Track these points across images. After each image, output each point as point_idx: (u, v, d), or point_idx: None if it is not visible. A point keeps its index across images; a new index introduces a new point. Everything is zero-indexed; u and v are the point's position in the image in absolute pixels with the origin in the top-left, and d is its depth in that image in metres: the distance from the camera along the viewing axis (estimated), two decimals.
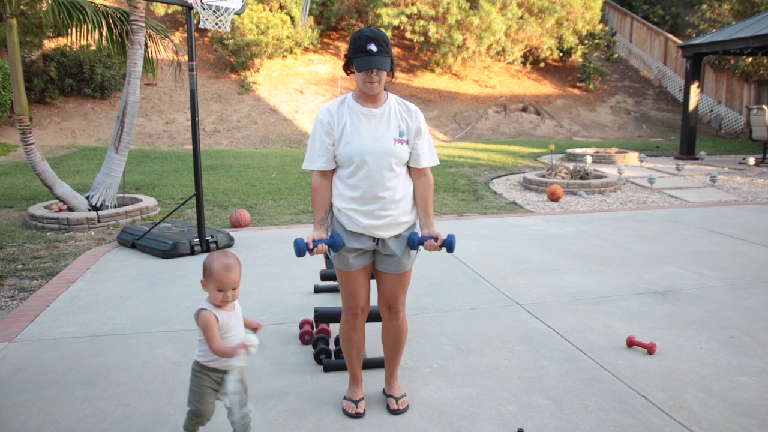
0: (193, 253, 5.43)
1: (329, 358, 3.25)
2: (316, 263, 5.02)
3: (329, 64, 19.26)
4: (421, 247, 2.62)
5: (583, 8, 19.23)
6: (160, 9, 17.97)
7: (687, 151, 13.11)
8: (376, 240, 2.63)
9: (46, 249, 5.72)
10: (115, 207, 6.94)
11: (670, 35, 20.11)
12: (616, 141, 16.32)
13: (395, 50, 20.36)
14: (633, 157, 12.14)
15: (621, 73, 21.23)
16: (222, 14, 5.71)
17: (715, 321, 3.83)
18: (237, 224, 6.56)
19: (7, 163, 11.31)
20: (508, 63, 20.10)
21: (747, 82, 17.63)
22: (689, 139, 13.13)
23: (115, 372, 3.15)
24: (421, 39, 18.53)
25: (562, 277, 4.77)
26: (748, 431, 2.61)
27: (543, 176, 9.44)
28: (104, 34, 7.07)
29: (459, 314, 3.96)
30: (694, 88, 13.18)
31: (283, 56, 18.93)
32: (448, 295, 4.35)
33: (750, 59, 16.66)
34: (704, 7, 19.30)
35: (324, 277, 3.80)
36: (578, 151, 12.78)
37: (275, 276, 4.80)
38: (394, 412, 2.75)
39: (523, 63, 20.37)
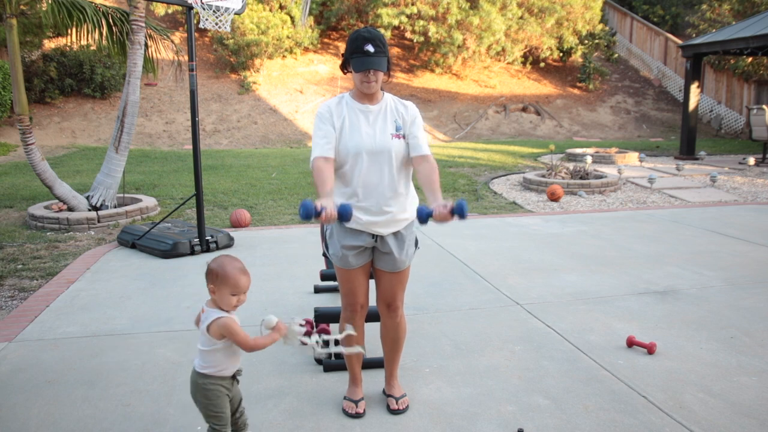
0: (193, 253, 5.43)
1: (329, 358, 3.25)
2: (316, 263, 5.02)
3: (329, 64, 19.26)
4: (430, 221, 2.39)
5: (583, 8, 19.23)
6: (160, 9, 17.97)
7: (687, 151, 13.11)
8: (375, 237, 2.64)
9: (46, 249, 5.72)
10: (115, 207, 6.94)
11: (670, 35, 20.11)
12: (616, 141, 16.32)
13: (395, 50, 20.37)
14: (633, 157, 12.14)
15: (621, 73, 21.23)
16: (222, 14, 5.71)
17: (715, 321, 3.83)
18: (237, 224, 6.56)
19: (7, 163, 11.31)
20: (508, 63, 20.10)
21: (747, 82, 17.63)
22: (689, 139, 13.13)
23: (115, 372, 3.15)
24: (421, 39, 18.53)
25: (562, 277, 4.77)
26: (748, 431, 2.61)
27: (543, 176, 9.44)
28: (104, 34, 7.07)
29: (459, 314, 3.96)
30: (694, 88, 13.18)
31: (283, 56, 18.93)
32: (448, 295, 4.35)
33: (750, 59, 16.66)
34: (704, 7, 19.29)
35: (324, 277, 3.81)
36: (578, 151, 12.78)
37: (275, 276, 4.80)
38: (394, 412, 2.75)
39: (523, 63, 20.37)
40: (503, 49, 19.02)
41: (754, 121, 12.31)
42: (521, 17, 18.63)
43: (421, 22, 18.09)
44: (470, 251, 5.51)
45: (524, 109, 18.66)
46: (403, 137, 2.61)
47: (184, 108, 16.19)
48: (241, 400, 2.36)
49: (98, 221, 6.55)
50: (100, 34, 7.01)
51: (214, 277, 2.25)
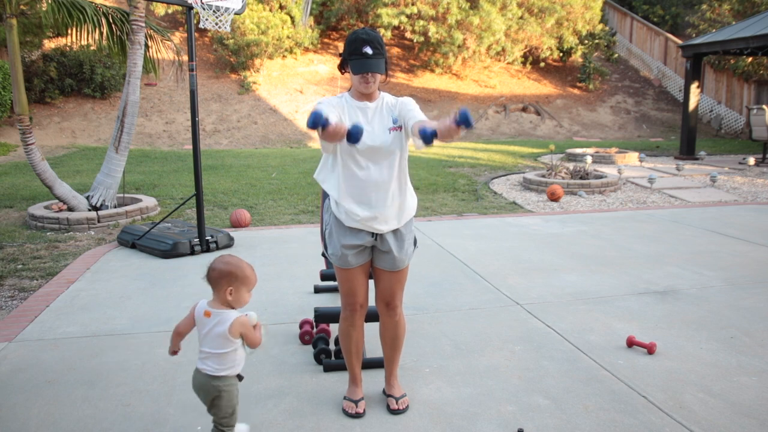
0: (193, 253, 5.43)
1: (329, 358, 3.25)
2: (316, 263, 5.02)
3: (329, 64, 19.27)
4: (436, 141, 2.25)
5: (583, 8, 19.23)
6: (160, 9, 17.97)
7: (687, 151, 13.11)
8: (374, 236, 2.64)
9: (46, 249, 5.72)
10: (115, 207, 6.94)
11: (670, 35, 20.11)
12: (616, 141, 16.32)
13: (395, 50, 20.38)
14: (633, 157, 12.14)
15: (621, 73, 21.23)
16: (222, 14, 5.71)
17: (715, 321, 3.83)
18: (237, 224, 6.56)
19: (7, 163, 11.31)
20: (508, 63, 20.10)
21: (747, 82, 17.63)
22: (689, 139, 13.13)
23: (115, 372, 3.15)
24: (421, 39, 18.53)
25: (562, 277, 4.77)
26: (748, 431, 2.61)
27: (543, 176, 9.45)
28: (104, 34, 7.07)
29: (459, 314, 3.96)
30: (694, 88, 13.18)
31: (283, 56, 18.93)
32: (448, 295, 4.35)
33: (750, 59, 16.66)
34: (704, 7, 19.30)
35: (324, 277, 3.80)
36: (578, 151, 12.78)
37: (275, 276, 4.80)
38: (394, 412, 2.75)
39: (523, 63, 20.37)
40: (503, 49, 19.02)
41: (754, 121, 12.31)
42: (521, 17, 18.64)
43: (421, 22, 18.09)
44: (470, 251, 5.51)
45: (524, 109, 18.67)
46: (401, 128, 2.62)
47: (184, 108, 16.19)
48: None
49: (98, 221, 6.55)
50: (100, 34, 7.01)
51: (233, 278, 2.23)
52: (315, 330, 3.52)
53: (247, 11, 17.21)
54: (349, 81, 2.63)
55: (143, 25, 6.74)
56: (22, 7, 6.92)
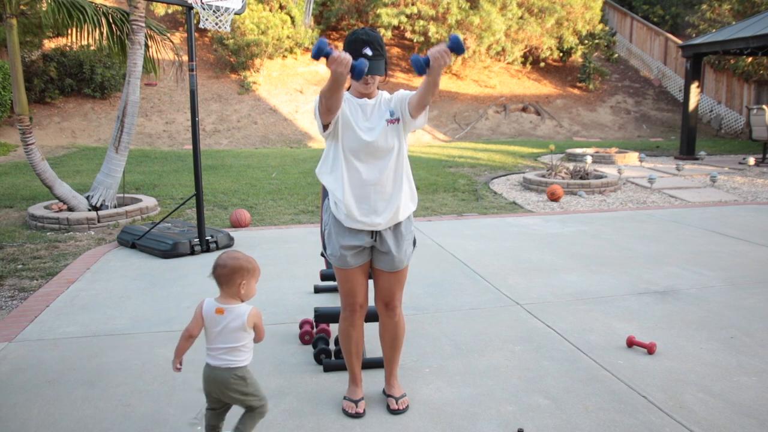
0: (193, 253, 5.43)
1: (329, 358, 3.25)
2: (316, 263, 5.02)
3: None
4: (428, 70, 2.31)
5: (583, 8, 19.23)
6: (160, 9, 17.97)
7: (687, 151, 13.12)
8: (374, 236, 2.64)
9: (46, 249, 5.72)
10: (115, 207, 6.94)
11: (670, 35, 20.11)
12: (616, 141, 16.32)
13: (395, 50, 20.38)
14: (633, 157, 12.14)
15: (621, 73, 21.23)
16: (222, 14, 5.71)
17: (715, 321, 3.83)
18: (237, 224, 6.56)
19: (7, 163, 11.31)
20: (508, 63, 20.10)
21: (747, 82, 17.63)
22: (689, 139, 13.13)
23: (115, 372, 3.15)
24: (421, 39, 18.53)
25: (562, 277, 4.77)
26: (748, 431, 2.61)
27: (543, 176, 9.45)
28: (104, 34, 7.08)
29: (459, 314, 3.96)
30: (694, 88, 13.18)
31: (283, 56, 18.93)
32: (448, 295, 4.35)
33: (750, 59, 16.66)
34: (704, 7, 19.30)
35: (324, 277, 3.80)
36: (578, 151, 12.78)
37: (275, 276, 4.80)
38: (394, 412, 2.75)
39: (523, 63, 20.37)
40: (503, 49, 19.02)
41: (754, 121, 12.31)
42: (521, 17, 18.63)
43: (421, 22, 18.09)
44: (470, 251, 5.51)
45: (524, 109, 18.66)
46: (398, 120, 2.62)
47: (184, 108, 16.19)
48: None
49: (98, 221, 6.55)
50: (100, 34, 7.02)
51: (244, 271, 2.29)
52: (315, 330, 3.52)
53: (247, 11, 17.21)
54: (349, 79, 2.63)
55: (143, 25, 6.74)
56: (22, 7, 6.92)
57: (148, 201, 7.23)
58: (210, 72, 18.13)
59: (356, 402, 2.77)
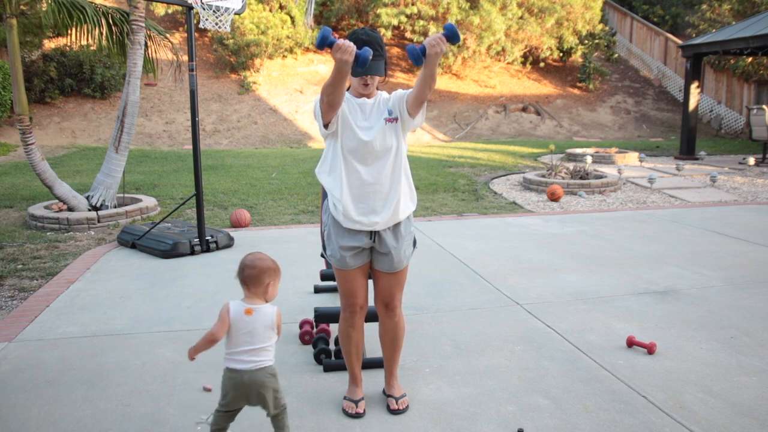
0: (193, 253, 5.43)
1: (329, 358, 3.25)
2: (316, 263, 5.02)
3: (329, 64, 19.26)
4: (425, 60, 2.29)
5: (583, 8, 19.23)
6: (160, 9, 17.97)
7: (687, 151, 13.11)
8: (373, 237, 2.64)
9: (46, 249, 5.72)
10: (115, 207, 6.94)
11: (670, 35, 20.11)
12: (616, 141, 16.32)
13: (395, 50, 20.37)
14: (633, 157, 12.14)
15: (621, 73, 21.23)
16: (222, 14, 5.71)
17: (715, 321, 3.83)
18: (237, 224, 6.56)
19: (7, 163, 11.31)
20: (508, 63, 20.10)
21: (747, 82, 17.63)
22: (689, 139, 13.13)
23: (115, 372, 3.15)
24: (421, 39, 18.51)
25: (562, 277, 4.77)
26: (748, 431, 2.61)
27: (543, 176, 9.45)
28: (104, 34, 7.08)
29: (459, 314, 3.96)
30: (694, 88, 13.18)
31: (283, 56, 18.93)
32: (448, 295, 4.35)
33: (750, 59, 16.66)
34: (704, 7, 19.29)
35: (324, 277, 3.81)
36: (578, 151, 12.78)
37: None
38: (394, 412, 2.75)
39: (523, 63, 20.37)
40: (503, 49, 19.02)
41: (754, 121, 12.31)
42: (521, 17, 18.63)
43: (421, 22, 18.09)
44: (470, 251, 5.51)
45: (524, 109, 18.66)
46: (396, 120, 2.62)
47: (184, 108, 16.19)
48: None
49: (98, 221, 6.55)
50: (100, 34, 7.02)
51: (272, 272, 2.33)
52: (315, 330, 3.52)
53: (247, 11, 17.21)
54: (349, 80, 2.63)
55: (143, 25, 6.74)
56: (22, 7, 6.92)
57: (148, 201, 7.23)
58: (210, 72, 18.13)
59: (356, 402, 2.77)
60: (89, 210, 6.74)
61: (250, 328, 2.27)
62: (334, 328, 3.56)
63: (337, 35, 2.20)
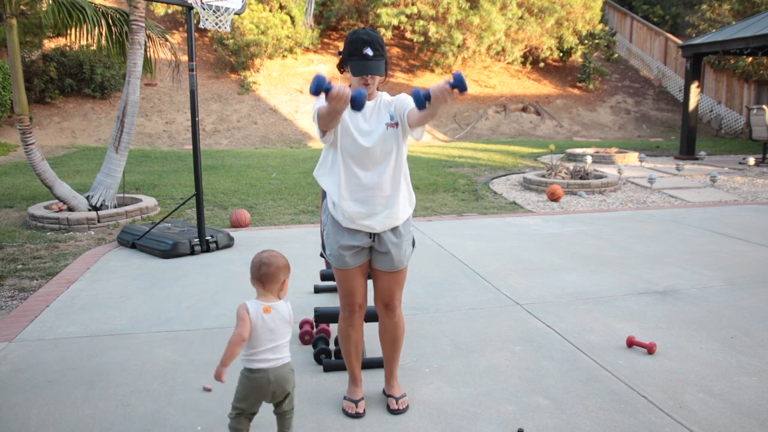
0: (193, 253, 5.43)
1: (329, 358, 3.25)
2: (316, 263, 5.02)
3: (329, 64, 19.26)
4: (428, 104, 2.22)
5: (583, 8, 19.23)
6: (160, 9, 17.97)
7: (687, 151, 13.11)
8: (372, 237, 2.64)
9: (46, 249, 5.72)
10: (115, 207, 6.94)
11: (670, 35, 20.11)
12: (616, 141, 16.32)
13: (395, 50, 20.37)
14: (633, 157, 12.14)
15: (621, 73, 21.23)
16: (222, 14, 5.71)
17: (715, 321, 3.83)
18: (237, 224, 6.56)
19: (7, 163, 11.31)
20: (508, 63, 20.10)
21: (747, 82, 17.63)
22: (689, 139, 13.13)
23: (115, 372, 3.15)
24: (421, 39, 18.53)
25: (562, 277, 4.77)
26: (748, 431, 2.61)
27: (543, 176, 9.44)
28: (104, 34, 7.07)
29: (459, 314, 3.96)
30: (694, 88, 13.18)
31: (283, 56, 18.93)
32: (448, 295, 4.35)
33: (750, 59, 16.66)
34: (704, 7, 19.29)
35: (324, 277, 3.80)
36: (578, 151, 12.78)
37: None
38: (394, 412, 2.75)
39: (523, 63, 20.37)
40: (503, 49, 19.02)
41: (754, 121, 12.31)
42: (521, 17, 18.63)
43: (421, 22, 18.09)
44: (470, 251, 5.51)
45: (524, 109, 18.66)
46: (397, 125, 2.61)
47: (184, 108, 16.19)
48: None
49: (98, 221, 6.55)
50: (100, 34, 7.02)
51: (287, 269, 2.38)
52: (315, 330, 3.52)
53: (247, 11, 17.21)
54: (349, 80, 2.63)
55: (143, 25, 6.74)
56: (22, 7, 6.92)
57: (148, 201, 7.23)
58: (210, 72, 18.13)
59: (356, 402, 2.77)
60: (89, 210, 6.74)
61: (271, 326, 2.28)
62: (334, 328, 3.56)
63: (330, 81, 2.15)
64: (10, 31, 6.22)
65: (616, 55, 21.77)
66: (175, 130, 15.41)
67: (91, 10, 6.71)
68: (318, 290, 4.43)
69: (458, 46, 18.26)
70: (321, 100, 2.46)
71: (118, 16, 7.12)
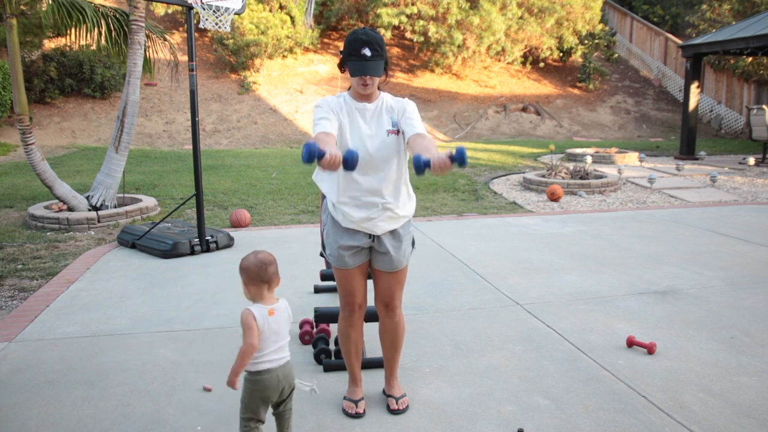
0: (193, 253, 5.43)
1: (329, 358, 3.25)
2: (316, 263, 5.02)
3: (329, 64, 19.27)
4: (428, 172, 2.21)
5: (583, 8, 19.23)
6: (160, 9, 17.96)
7: (687, 151, 13.11)
8: (372, 237, 2.64)
9: (46, 249, 5.72)
10: (115, 207, 6.94)
11: (670, 35, 20.11)
12: (616, 141, 16.32)
13: (395, 50, 20.37)
14: (633, 157, 12.14)
15: (621, 73, 21.23)
16: (222, 14, 5.71)
17: (715, 321, 3.83)
18: (237, 224, 6.56)
19: (7, 163, 11.31)
20: (508, 63, 20.10)
21: (747, 82, 17.63)
22: (689, 139, 13.13)
23: (115, 372, 3.15)
24: (421, 39, 18.52)
25: (562, 277, 4.77)
26: (748, 431, 2.61)
27: (543, 176, 9.44)
28: (104, 34, 7.07)
29: (459, 314, 3.96)
30: (694, 88, 13.18)
31: (283, 56, 18.93)
32: (448, 295, 4.35)
33: (750, 59, 16.66)
34: (704, 7, 19.29)
35: (324, 277, 3.81)
36: (578, 151, 12.78)
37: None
38: (394, 412, 2.75)
39: (523, 63, 20.37)
40: (503, 49, 19.01)
41: (754, 121, 12.31)
42: (521, 17, 18.63)
43: (421, 22, 18.09)
44: (470, 251, 5.51)
45: (524, 109, 18.66)
46: (399, 132, 2.60)
47: (184, 108, 16.19)
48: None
49: (98, 221, 6.55)
50: (100, 34, 7.01)
51: (277, 267, 2.37)
52: (315, 330, 3.52)
53: (247, 11, 17.21)
54: (349, 80, 2.62)
55: (143, 25, 6.74)
56: (22, 7, 6.92)
57: (148, 201, 7.23)
58: (210, 72, 18.13)
59: (356, 402, 2.77)
60: (89, 210, 6.74)
61: (275, 328, 2.27)
62: (334, 328, 3.56)
63: (321, 145, 2.12)
64: (10, 31, 6.22)
65: (616, 55, 21.77)
66: (175, 130, 15.40)
67: (90, 10, 6.71)
68: (318, 290, 4.43)
69: (458, 46, 18.27)
70: (319, 119, 2.50)
71: (117, 16, 7.12)
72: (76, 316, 3.96)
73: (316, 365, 3.23)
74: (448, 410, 2.78)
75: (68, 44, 15.22)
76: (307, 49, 19.52)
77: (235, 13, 5.79)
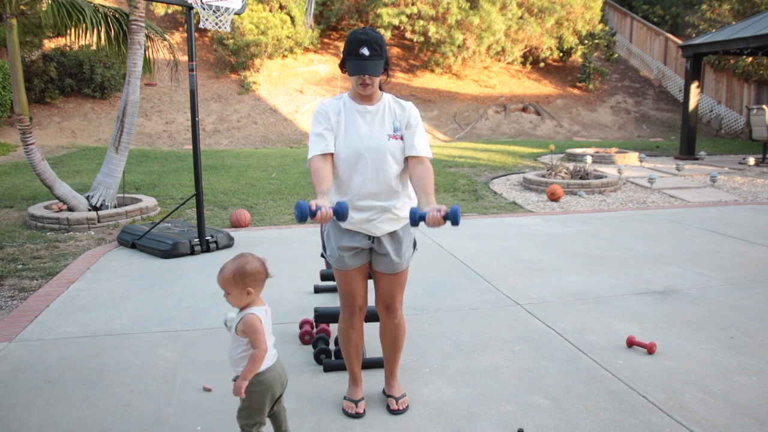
0: (193, 253, 5.43)
1: (329, 358, 3.25)
2: (316, 263, 5.02)
3: (329, 64, 19.27)
4: (422, 223, 2.33)
5: (583, 8, 19.23)
6: (160, 9, 17.97)
7: (687, 151, 13.11)
8: (371, 239, 2.64)
9: (46, 249, 5.72)
10: (115, 207, 6.94)
11: (670, 35, 20.11)
12: (616, 141, 16.32)
13: (395, 50, 20.37)
14: (633, 157, 12.14)
15: (621, 73, 21.23)
16: (222, 14, 5.71)
17: (715, 321, 3.83)
18: (237, 224, 6.56)
19: (7, 163, 11.31)
20: (508, 63, 20.10)
21: (747, 82, 17.63)
22: (689, 139, 13.13)
23: (115, 372, 3.15)
24: (421, 39, 18.53)
25: (562, 277, 4.77)
26: (748, 431, 2.61)
27: (543, 176, 9.44)
28: (103, 34, 7.07)
29: (459, 314, 3.96)
30: (694, 88, 13.18)
31: (283, 56, 18.93)
32: (448, 295, 4.35)
33: (750, 59, 16.66)
34: (704, 7, 19.29)
35: (324, 277, 3.81)
36: (578, 151, 12.78)
37: (275, 276, 4.78)
38: (394, 412, 2.75)
39: (523, 63, 20.37)
40: (503, 49, 19.02)
41: (754, 121, 12.31)
42: (521, 17, 18.63)
43: (421, 22, 18.09)
44: (470, 251, 5.51)
45: (524, 109, 18.66)
46: (401, 138, 2.59)
47: (184, 108, 16.19)
48: None
49: (98, 221, 6.55)
50: (99, 34, 7.01)
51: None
52: (315, 330, 3.52)
53: (247, 11, 17.21)
54: (350, 80, 2.61)
55: (143, 25, 6.74)
56: (22, 7, 6.92)
57: (148, 201, 7.23)
58: (210, 72, 18.13)
59: (356, 402, 2.76)
60: (89, 210, 6.74)
61: (269, 327, 2.33)
62: (334, 328, 3.56)
63: (313, 206, 2.24)
64: (10, 31, 6.22)
65: (616, 55, 21.77)
66: (175, 130, 15.41)
67: (90, 11, 6.71)
68: (318, 290, 4.43)
69: (458, 46, 18.27)
70: (315, 141, 2.59)
71: (117, 16, 7.12)
72: (76, 316, 3.96)
73: (316, 365, 3.23)
74: (448, 410, 2.78)
75: (68, 44, 15.22)
76: (307, 49, 19.52)
77: (235, 13, 5.79)
